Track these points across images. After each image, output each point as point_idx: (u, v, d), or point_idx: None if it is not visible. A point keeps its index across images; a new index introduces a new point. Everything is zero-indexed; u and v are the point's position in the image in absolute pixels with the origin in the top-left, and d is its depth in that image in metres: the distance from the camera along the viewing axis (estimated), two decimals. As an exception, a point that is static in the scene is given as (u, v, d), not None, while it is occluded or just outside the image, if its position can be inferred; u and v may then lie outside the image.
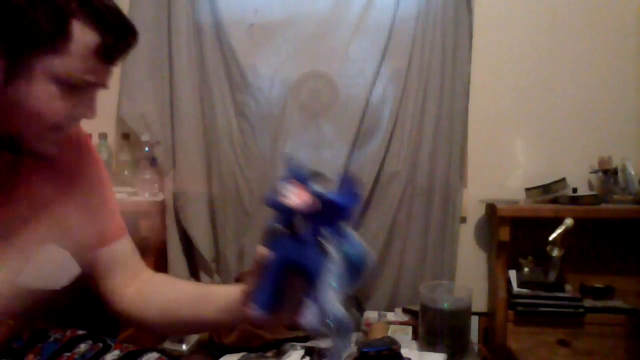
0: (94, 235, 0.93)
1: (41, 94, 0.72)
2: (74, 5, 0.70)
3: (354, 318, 0.61)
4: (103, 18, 0.73)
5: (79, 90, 0.76)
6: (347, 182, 0.70)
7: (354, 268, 0.67)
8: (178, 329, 0.92)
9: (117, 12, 0.75)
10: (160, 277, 1.00)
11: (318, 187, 0.68)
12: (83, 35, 0.71)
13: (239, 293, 0.79)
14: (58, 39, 0.70)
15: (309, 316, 0.66)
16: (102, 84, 0.78)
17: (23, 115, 0.74)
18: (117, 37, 0.75)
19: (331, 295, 0.65)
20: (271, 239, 0.70)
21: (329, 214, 0.67)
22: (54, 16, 0.69)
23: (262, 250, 0.71)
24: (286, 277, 0.71)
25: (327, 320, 0.65)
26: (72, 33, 0.71)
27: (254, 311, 0.71)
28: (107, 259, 0.95)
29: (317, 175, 0.71)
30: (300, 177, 0.68)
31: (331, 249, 0.66)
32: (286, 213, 0.68)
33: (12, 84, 0.71)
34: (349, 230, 0.68)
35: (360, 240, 0.68)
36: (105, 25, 0.73)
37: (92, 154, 0.95)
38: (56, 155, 0.85)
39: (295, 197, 0.66)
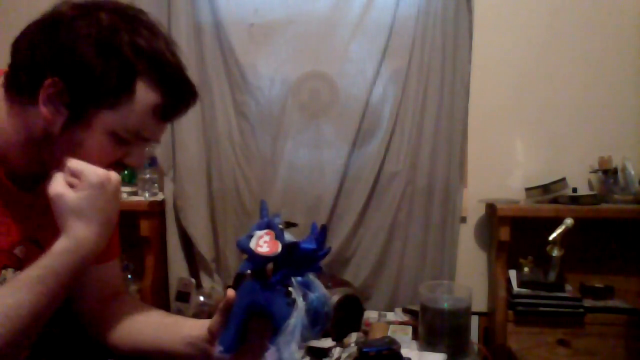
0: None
1: (95, 144, 0.73)
2: (142, 65, 0.70)
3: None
4: (168, 80, 0.73)
5: (131, 144, 0.76)
6: (319, 232, 0.73)
7: (317, 317, 0.70)
8: (141, 355, 0.93)
9: (181, 73, 0.75)
10: (136, 301, 1.01)
11: (289, 237, 0.71)
12: (146, 95, 0.72)
13: (205, 330, 0.81)
14: (122, 97, 0.71)
15: (271, 356, 0.69)
16: (155, 140, 0.79)
17: (75, 158, 0.74)
18: (179, 99, 0.76)
19: (292, 343, 0.68)
20: (240, 282, 0.73)
21: (298, 263, 0.71)
22: (122, 74, 0.70)
23: (230, 293, 0.74)
24: (251, 321, 0.73)
25: None
26: (136, 92, 0.71)
27: (218, 351, 0.73)
28: (96, 276, 0.95)
29: (290, 225, 0.73)
30: (273, 226, 0.72)
31: (297, 297, 0.70)
32: (257, 260, 0.70)
33: (69, 132, 0.72)
34: (315, 279, 0.72)
35: (324, 290, 0.72)
36: (168, 87, 0.73)
37: None
38: None
39: (267, 245, 0.70)
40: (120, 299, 0.98)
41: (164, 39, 0.74)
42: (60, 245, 0.73)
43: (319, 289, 0.72)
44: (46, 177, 0.77)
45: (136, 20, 0.72)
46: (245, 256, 0.74)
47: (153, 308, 0.97)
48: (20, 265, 0.83)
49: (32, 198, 0.82)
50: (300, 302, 0.69)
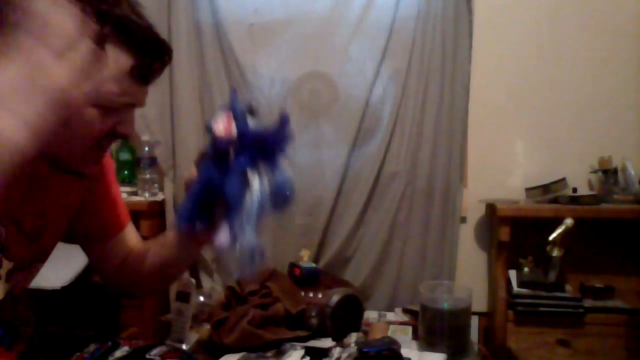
0: (102, 231, 0.98)
1: (82, 118, 0.73)
2: (107, 30, 0.69)
3: (262, 248, 0.70)
4: (137, 40, 0.73)
5: (117, 111, 0.76)
6: (281, 119, 0.76)
7: (278, 197, 0.75)
8: (160, 279, 1.01)
9: (151, 32, 0.75)
10: (141, 249, 1.04)
11: (250, 121, 0.74)
12: (117, 59, 0.72)
13: None
14: (93, 66, 0.69)
15: (222, 238, 0.73)
16: (140, 104, 0.79)
17: (64, 138, 0.74)
18: (152, 58, 0.75)
19: (246, 222, 0.72)
20: (202, 162, 0.77)
21: (260, 148, 0.74)
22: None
23: (192, 170, 0.78)
24: (209, 198, 0.77)
25: (238, 245, 0.72)
26: (107, 58, 0.70)
27: (176, 223, 0.79)
28: (112, 247, 1.00)
29: (255, 111, 0.75)
30: (237, 110, 0.74)
31: (255, 179, 0.73)
32: (219, 141, 0.74)
33: None
34: (280, 162, 0.75)
35: (287, 172, 0.75)
36: (139, 47, 0.73)
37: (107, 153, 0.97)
38: (98, 174, 0.90)
39: (223, 127, 0.73)
40: (137, 250, 1.02)
41: (127, 3, 0.73)
42: None
43: (281, 170, 0.75)
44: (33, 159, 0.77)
45: None
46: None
47: (150, 242, 1.02)
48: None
49: (25, 181, 0.81)
50: (257, 184, 0.72)
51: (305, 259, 1.84)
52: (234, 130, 0.72)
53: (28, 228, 0.83)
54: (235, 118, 0.73)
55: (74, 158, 0.79)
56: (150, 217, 1.94)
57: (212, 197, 0.77)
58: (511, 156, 2.06)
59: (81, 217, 0.94)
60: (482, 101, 2.02)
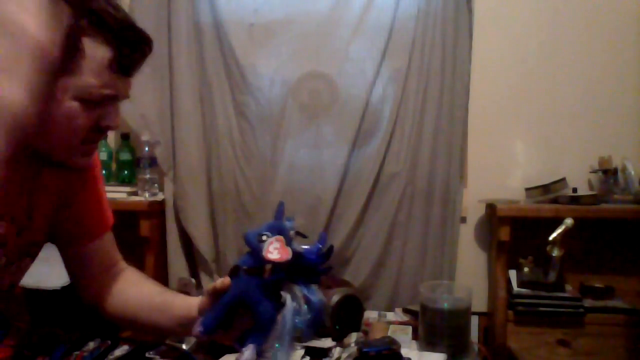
0: (86, 229, 0.96)
1: (65, 112, 0.73)
2: (83, 23, 0.69)
3: None
4: (114, 32, 0.72)
5: (101, 104, 0.76)
6: (325, 250, 0.75)
7: (313, 320, 0.73)
8: (134, 328, 0.95)
9: (127, 23, 0.75)
10: (130, 274, 1.01)
11: (297, 245, 0.73)
12: (95, 51, 0.71)
13: (193, 310, 0.83)
14: (72, 59, 0.70)
15: (247, 356, 0.72)
16: (123, 96, 0.79)
17: (51, 134, 0.74)
18: (131, 49, 0.75)
19: (279, 343, 0.71)
20: (236, 274, 0.75)
21: (300, 269, 0.73)
22: (66, 37, 0.68)
23: (225, 280, 0.76)
24: (237, 311, 0.76)
25: None
26: (84, 50, 0.70)
27: (197, 330, 0.76)
28: (92, 251, 0.97)
29: (300, 235, 0.75)
30: (285, 232, 0.73)
31: (288, 301, 0.72)
32: (261, 260, 0.72)
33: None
34: (314, 286, 0.74)
35: (321, 296, 0.74)
36: (117, 38, 0.73)
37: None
38: (89, 166, 0.88)
39: (277, 252, 0.71)
40: (115, 271, 0.99)
41: None
42: None
43: (316, 295, 0.74)
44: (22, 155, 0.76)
45: None
46: (247, 249, 0.75)
47: (147, 283, 0.98)
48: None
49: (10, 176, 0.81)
50: (290, 306, 0.72)
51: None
52: (289, 256, 0.71)
53: (18, 222, 0.83)
54: (287, 242, 0.73)
55: (63, 152, 0.79)
56: (150, 217, 1.94)
57: (239, 308, 0.76)
58: (511, 156, 2.06)
59: (66, 210, 0.92)
60: (482, 101, 2.02)
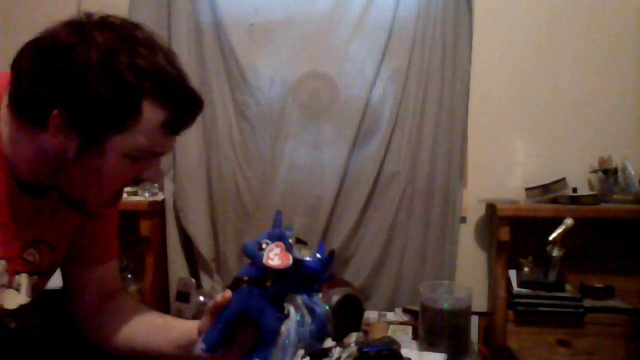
0: (97, 252, 0.96)
1: (111, 168, 0.73)
2: (146, 85, 0.69)
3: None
4: (173, 95, 0.72)
5: (145, 160, 0.77)
6: (326, 257, 0.75)
7: (318, 331, 0.72)
8: (133, 354, 0.93)
9: (185, 85, 0.75)
10: (130, 300, 1.01)
11: (298, 253, 0.72)
12: (153, 114, 0.71)
13: (193, 332, 0.81)
14: (130, 119, 0.70)
15: None
16: (166, 152, 0.79)
17: (91, 185, 0.75)
18: (185, 111, 0.75)
19: (284, 355, 0.70)
20: (237, 286, 0.73)
21: (301, 279, 0.72)
22: (127, 98, 0.69)
23: (227, 294, 0.74)
24: (239, 326, 0.74)
25: None
26: (143, 113, 0.70)
27: (200, 349, 0.73)
28: (94, 277, 0.96)
29: (300, 242, 0.74)
30: (285, 239, 0.72)
31: (292, 312, 0.70)
32: (262, 269, 0.71)
33: (83, 160, 0.72)
34: (316, 296, 0.73)
35: (323, 306, 0.73)
36: (174, 102, 0.73)
37: None
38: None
39: (278, 258, 0.70)
40: (116, 299, 0.98)
41: (163, 53, 0.73)
42: None
43: (318, 304, 0.73)
44: (56, 190, 0.78)
45: (133, 38, 0.71)
46: (248, 261, 0.74)
47: (145, 309, 0.97)
48: (36, 269, 0.83)
49: (39, 202, 0.82)
50: (293, 315, 0.70)
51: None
52: (290, 262, 0.70)
53: (58, 247, 0.84)
54: (287, 249, 0.72)
55: (98, 201, 0.79)
56: (150, 217, 1.94)
57: (241, 324, 0.75)
58: (511, 156, 2.06)
59: (82, 230, 0.93)
60: (482, 101, 2.01)
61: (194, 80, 2.08)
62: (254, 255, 0.72)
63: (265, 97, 2.00)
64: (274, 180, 1.98)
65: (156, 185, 2.01)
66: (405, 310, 1.86)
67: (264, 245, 0.71)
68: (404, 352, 1.35)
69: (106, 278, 0.98)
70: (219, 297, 0.75)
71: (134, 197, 1.96)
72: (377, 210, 1.99)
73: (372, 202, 1.99)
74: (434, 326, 1.47)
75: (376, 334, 1.54)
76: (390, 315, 1.84)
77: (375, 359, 1.29)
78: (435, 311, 1.48)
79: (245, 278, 0.73)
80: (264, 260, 0.70)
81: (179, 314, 1.51)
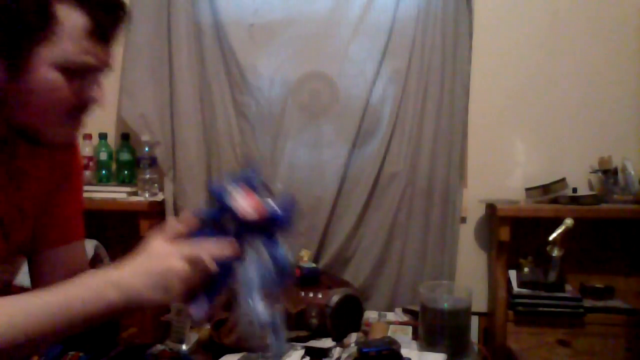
0: (61, 232, 0.94)
1: (45, 82, 0.72)
2: None
3: (276, 316, 0.67)
4: None
5: (83, 74, 0.75)
6: (287, 198, 0.73)
7: (278, 274, 0.71)
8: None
9: None
10: None
11: (265, 198, 0.71)
12: (70, 18, 0.71)
13: None
14: (46, 27, 0.70)
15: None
16: (104, 65, 0.77)
17: (34, 106, 0.74)
18: (105, 13, 0.74)
19: (250, 297, 0.69)
20: (198, 227, 0.73)
21: (264, 224, 0.71)
22: (37, 5, 0.69)
23: (193, 220, 0.74)
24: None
25: (243, 319, 0.69)
26: (59, 17, 0.70)
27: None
28: (61, 258, 0.94)
29: (265, 187, 0.73)
30: (252, 184, 0.72)
31: (251, 254, 0.70)
32: (225, 211, 0.70)
33: (15, 79, 0.71)
34: (279, 240, 0.72)
35: (286, 251, 0.72)
36: (91, 3, 0.72)
37: (77, 154, 0.96)
38: (74, 142, 0.86)
39: (246, 203, 0.70)
40: None
41: None
42: (113, 295, 0.70)
43: (280, 249, 0.72)
44: (14, 136, 0.76)
45: None
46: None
47: None
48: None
49: (5, 160, 0.80)
50: (251, 259, 0.70)
51: (305, 259, 1.84)
52: (259, 208, 0.69)
53: (6, 222, 0.82)
54: (255, 194, 0.71)
55: (48, 128, 0.77)
56: (150, 217, 1.93)
57: None
58: (511, 156, 2.06)
59: (44, 214, 0.91)
60: (482, 101, 2.02)
61: (194, 80, 2.07)
62: (222, 200, 0.71)
63: (265, 98, 2.00)
64: (274, 180, 1.98)
65: (156, 185, 2.01)
66: (405, 311, 1.86)
67: (229, 188, 0.71)
68: (404, 352, 1.35)
69: (69, 261, 0.95)
70: (184, 226, 0.74)
71: (134, 197, 1.96)
72: (377, 211, 1.99)
73: (372, 202, 1.99)
74: (434, 326, 1.47)
75: (376, 334, 1.54)
76: (390, 316, 1.84)
77: (375, 359, 1.29)
78: (435, 311, 1.48)
79: (202, 217, 0.72)
80: (230, 202, 0.69)
81: (178, 314, 1.51)
